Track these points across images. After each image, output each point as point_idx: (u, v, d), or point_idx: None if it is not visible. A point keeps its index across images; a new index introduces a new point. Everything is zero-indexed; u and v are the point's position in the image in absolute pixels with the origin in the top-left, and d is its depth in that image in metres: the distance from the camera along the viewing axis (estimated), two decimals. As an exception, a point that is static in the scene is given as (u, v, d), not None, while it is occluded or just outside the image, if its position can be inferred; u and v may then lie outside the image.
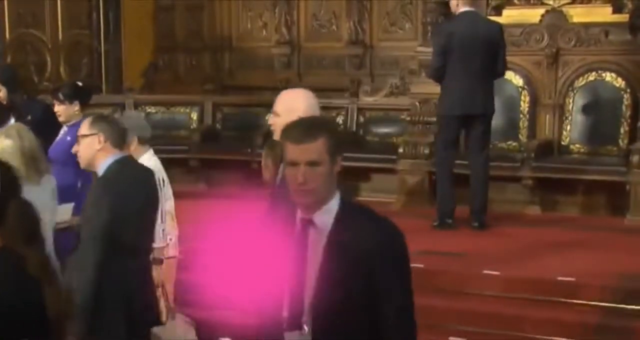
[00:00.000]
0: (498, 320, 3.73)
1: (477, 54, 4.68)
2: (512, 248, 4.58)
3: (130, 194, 2.82)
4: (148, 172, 3.04)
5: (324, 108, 6.50)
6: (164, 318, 3.47)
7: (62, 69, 7.48)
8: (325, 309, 1.80)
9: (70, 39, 7.50)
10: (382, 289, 1.80)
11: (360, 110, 6.33)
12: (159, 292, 3.43)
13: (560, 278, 3.97)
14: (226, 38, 7.40)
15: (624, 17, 5.47)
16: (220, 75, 7.40)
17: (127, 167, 2.88)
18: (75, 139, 2.94)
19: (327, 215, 1.85)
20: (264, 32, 7.25)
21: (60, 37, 7.42)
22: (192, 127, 6.84)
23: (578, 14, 5.56)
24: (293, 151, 1.82)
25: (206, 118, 6.85)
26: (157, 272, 3.37)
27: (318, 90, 7.49)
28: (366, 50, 6.84)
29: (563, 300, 3.84)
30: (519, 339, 3.70)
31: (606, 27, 5.46)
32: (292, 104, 2.58)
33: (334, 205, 1.85)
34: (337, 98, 6.48)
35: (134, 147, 3.41)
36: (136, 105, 6.84)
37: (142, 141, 3.48)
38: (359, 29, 6.82)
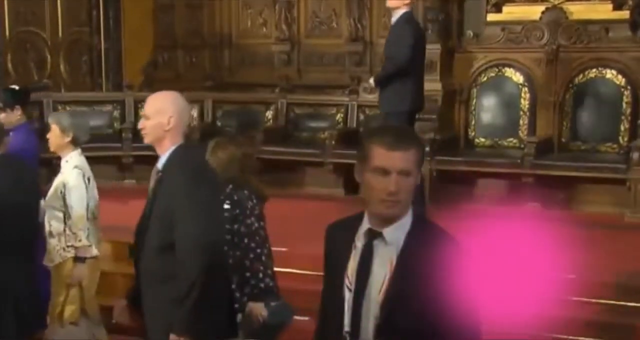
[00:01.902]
0: (497, 317, 3.71)
1: (423, 51, 4.89)
2: (512, 246, 4.57)
3: (4, 191, 2.87)
4: (26, 169, 3.07)
5: (324, 105, 6.59)
6: (74, 318, 3.49)
7: (62, 67, 7.46)
8: (395, 326, 1.73)
9: (70, 37, 7.48)
10: (445, 304, 1.73)
11: (360, 107, 6.31)
12: (74, 291, 3.45)
13: (560, 275, 3.96)
14: (226, 35, 7.38)
15: (624, 14, 5.45)
16: (220, 73, 7.38)
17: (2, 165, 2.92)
18: (20, 143, 3.00)
19: (400, 230, 1.75)
20: (264, 29, 7.23)
21: (60, 34, 7.40)
22: (192, 124, 6.80)
23: (578, 11, 5.54)
24: (385, 158, 1.70)
25: (206, 115, 6.83)
26: (80, 271, 3.41)
27: (318, 87, 7.56)
28: (366, 47, 6.82)
29: (564, 297, 3.83)
30: (520, 336, 3.69)
31: (606, 24, 5.45)
32: (162, 106, 2.50)
33: (407, 220, 1.75)
34: (337, 95, 6.47)
35: (64, 143, 3.49)
36: (136, 102, 6.81)
37: (75, 142, 3.52)
38: (359, 26, 6.80)
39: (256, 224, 3.00)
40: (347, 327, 1.75)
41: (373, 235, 1.77)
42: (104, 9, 7.31)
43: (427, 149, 5.51)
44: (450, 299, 1.74)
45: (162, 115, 2.47)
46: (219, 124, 6.86)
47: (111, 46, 7.37)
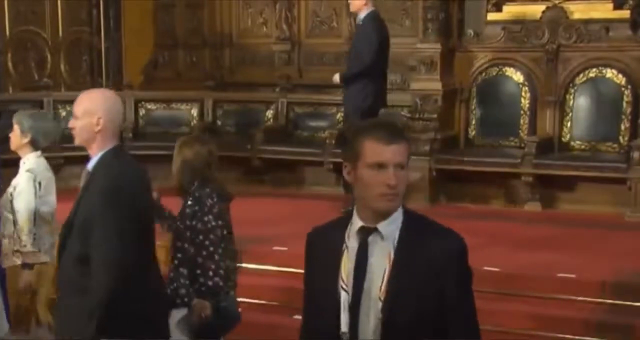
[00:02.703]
0: (497, 316, 3.71)
1: (388, 50, 4.97)
2: (512, 245, 4.57)
3: None
4: None
5: (324, 104, 6.58)
6: (32, 325, 3.49)
7: (62, 66, 7.46)
8: (400, 321, 1.72)
9: (70, 36, 7.47)
10: (452, 297, 1.74)
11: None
12: (27, 299, 3.44)
13: (560, 275, 3.96)
14: (226, 35, 7.38)
15: (625, 13, 5.44)
16: (220, 72, 7.37)
17: None
18: None
19: (394, 224, 1.75)
20: (265, 28, 7.22)
21: (60, 34, 7.40)
22: (192, 123, 6.82)
23: (579, 10, 5.54)
24: (382, 152, 1.70)
25: (206, 115, 6.83)
26: (28, 277, 3.37)
27: (318, 87, 7.55)
28: (366, 47, 6.80)
29: (564, 297, 3.83)
30: (520, 336, 3.69)
31: (607, 24, 5.44)
32: (90, 107, 2.41)
33: (399, 214, 1.76)
34: (338, 94, 6.45)
35: (22, 144, 3.47)
36: (136, 102, 6.82)
37: (34, 144, 3.49)
38: (359, 25, 6.79)
39: (213, 223, 3.03)
40: (344, 328, 1.73)
41: (367, 232, 1.76)
42: (104, 8, 7.30)
43: (428, 148, 5.54)
44: (453, 290, 1.74)
45: (91, 116, 2.36)
46: (219, 123, 6.86)
47: (111, 45, 7.37)
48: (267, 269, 4.21)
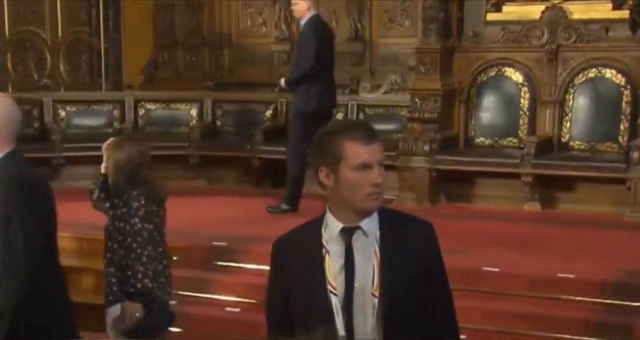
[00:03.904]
0: (497, 316, 3.72)
1: (332, 53, 5.15)
2: (511, 245, 4.57)
3: None
4: None
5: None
6: None
7: (61, 67, 7.46)
8: (400, 315, 1.75)
9: (69, 36, 7.47)
10: (436, 278, 1.82)
11: (360, 106, 6.32)
12: None
13: (560, 275, 3.96)
14: (226, 35, 7.38)
15: (624, 14, 5.44)
16: (219, 72, 7.38)
17: None
18: None
19: (373, 221, 1.77)
20: (264, 28, 7.22)
21: (59, 34, 7.40)
22: (191, 123, 6.83)
23: (578, 11, 5.54)
24: (365, 152, 1.71)
25: (206, 115, 6.84)
26: None
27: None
28: (366, 47, 6.81)
29: (564, 297, 3.83)
30: (519, 336, 3.69)
31: (606, 24, 5.44)
32: None
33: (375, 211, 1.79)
34: (337, 95, 6.45)
35: None
36: (136, 102, 6.82)
37: None
38: (358, 25, 6.79)
39: (139, 225, 3.09)
40: (341, 332, 1.73)
41: (350, 231, 1.76)
42: (103, 8, 7.30)
43: (427, 148, 5.55)
44: (440, 278, 1.83)
45: None
46: (218, 123, 6.86)
47: (111, 46, 7.37)
48: (267, 269, 4.22)
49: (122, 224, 3.11)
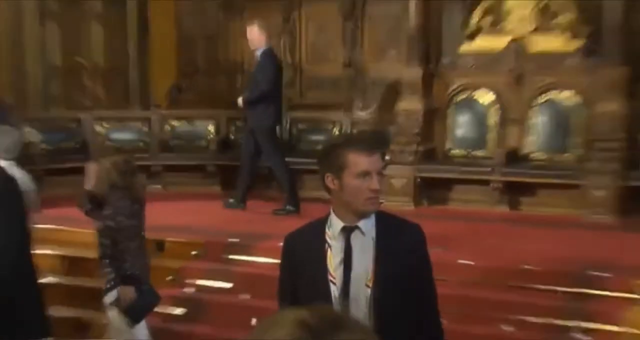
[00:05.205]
0: (472, 302, 3.69)
1: (281, 78, 5.41)
2: (485, 241, 4.54)
3: None
4: None
5: (322, 121, 6.56)
6: None
7: (100, 90, 7.46)
8: (389, 304, 1.74)
9: (107, 65, 7.49)
10: (423, 273, 1.82)
11: (354, 123, 6.30)
12: None
13: (526, 266, 3.94)
14: (239, 63, 7.38)
15: (577, 44, 5.45)
16: (234, 94, 7.34)
17: None
18: None
19: (369, 222, 1.78)
20: (272, 57, 7.22)
21: (99, 63, 7.42)
22: (209, 137, 6.80)
23: (539, 41, 5.54)
24: (366, 161, 1.72)
25: (222, 130, 6.82)
26: None
27: (317, 106, 7.51)
28: (358, 73, 6.81)
29: (529, 285, 3.80)
30: (491, 319, 3.66)
31: (563, 53, 5.45)
32: None
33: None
34: (334, 113, 6.45)
35: None
36: (162, 120, 6.81)
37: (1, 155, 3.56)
38: (352, 54, 6.80)
39: (125, 222, 3.18)
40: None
41: (349, 230, 1.76)
42: (136, 41, 7.32)
43: (412, 158, 5.52)
44: (425, 273, 1.83)
45: None
46: (232, 137, 6.84)
47: (141, 72, 7.37)
48: (273, 261, 4.18)
49: (111, 223, 3.19)
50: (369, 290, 1.73)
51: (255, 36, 5.33)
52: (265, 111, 5.25)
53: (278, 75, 5.35)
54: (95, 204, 3.27)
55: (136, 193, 3.27)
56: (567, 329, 3.51)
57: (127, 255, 3.18)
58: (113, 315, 3.25)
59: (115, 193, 3.20)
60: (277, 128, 5.62)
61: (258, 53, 5.38)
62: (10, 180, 2.51)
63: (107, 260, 3.20)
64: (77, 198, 3.37)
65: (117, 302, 3.20)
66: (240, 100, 5.42)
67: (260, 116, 5.26)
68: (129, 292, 3.18)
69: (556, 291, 3.71)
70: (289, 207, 5.22)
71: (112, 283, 3.21)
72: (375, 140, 1.84)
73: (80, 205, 3.36)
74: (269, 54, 5.37)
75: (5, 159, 3.45)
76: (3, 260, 2.27)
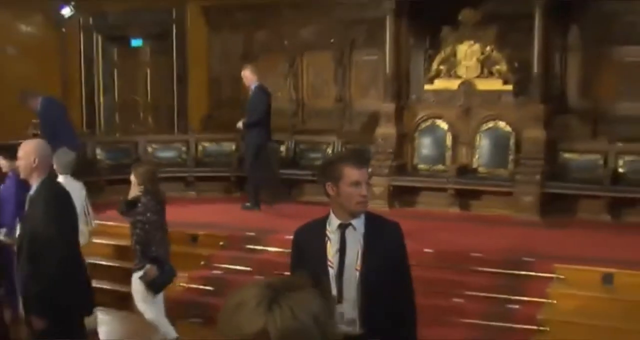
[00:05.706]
0: (435, 282, 3.75)
1: (270, 108, 5.44)
2: (442, 234, 4.61)
3: None
4: None
5: (319, 143, 6.64)
6: None
7: (150, 119, 7.56)
8: (373, 284, 1.77)
9: (155, 100, 7.58)
10: (403, 260, 1.85)
11: (343, 143, 6.39)
12: None
13: (473, 254, 4.01)
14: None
15: (510, 87, 5.58)
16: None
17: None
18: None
19: (360, 220, 1.82)
20: (279, 94, 7.28)
21: (148, 98, 7.52)
22: (232, 154, 6.86)
23: (482, 84, 5.66)
24: (357, 174, 1.76)
25: (241, 149, 6.86)
26: None
27: (315, 131, 7.56)
28: (346, 106, 6.90)
29: (476, 268, 3.87)
30: (447, 295, 3.72)
31: (499, 93, 5.57)
32: (29, 150, 2.40)
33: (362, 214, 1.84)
34: (328, 136, 6.54)
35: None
36: (196, 142, 6.88)
37: (59, 170, 3.63)
38: (342, 91, 6.90)
39: (152, 217, 3.30)
40: (334, 292, 1.78)
41: (344, 226, 1.81)
42: (177, 82, 7.41)
43: (387, 171, 5.61)
44: (402, 260, 1.85)
45: (30, 157, 2.35)
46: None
47: (181, 106, 7.47)
48: (283, 251, 4.24)
49: (142, 218, 3.29)
50: (357, 273, 1.78)
51: (248, 76, 5.49)
52: (259, 133, 5.39)
53: (268, 105, 5.44)
54: (129, 207, 3.37)
55: (159, 196, 3.39)
56: (504, 300, 3.59)
57: (152, 242, 3.26)
58: (138, 288, 3.32)
59: (145, 195, 3.30)
60: (272, 145, 5.74)
61: (252, 88, 5.50)
62: (66, 194, 2.52)
63: (138, 246, 3.29)
64: (118, 204, 3.48)
65: (143, 277, 3.29)
66: (240, 124, 5.53)
67: (256, 137, 5.41)
68: (153, 270, 3.27)
69: (495, 272, 3.78)
70: (247, 205, 5.49)
71: (139, 264, 3.30)
72: (362, 158, 1.90)
73: (119, 210, 3.46)
74: (261, 88, 5.48)
75: (63, 174, 3.55)
76: (53, 259, 2.31)
